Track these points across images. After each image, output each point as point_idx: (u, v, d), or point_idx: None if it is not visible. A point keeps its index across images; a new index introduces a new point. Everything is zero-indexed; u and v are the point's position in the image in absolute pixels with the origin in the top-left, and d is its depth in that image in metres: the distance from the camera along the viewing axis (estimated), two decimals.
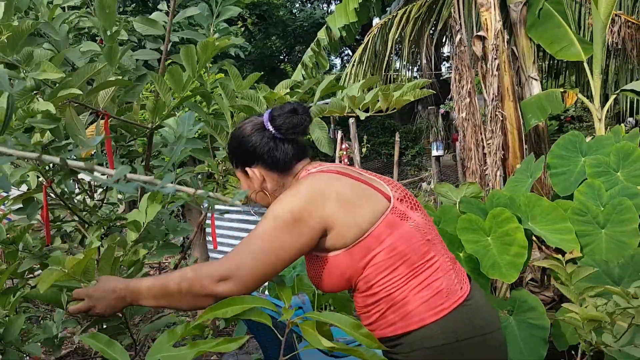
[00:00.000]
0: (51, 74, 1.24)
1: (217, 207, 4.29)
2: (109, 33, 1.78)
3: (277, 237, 1.23)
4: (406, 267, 1.24)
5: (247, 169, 1.41)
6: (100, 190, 2.05)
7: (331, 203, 1.25)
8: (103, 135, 1.55)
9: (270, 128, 1.38)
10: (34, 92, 1.28)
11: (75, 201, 2.02)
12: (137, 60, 2.09)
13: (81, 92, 1.26)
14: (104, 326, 1.61)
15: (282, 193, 1.32)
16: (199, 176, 2.68)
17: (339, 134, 9.12)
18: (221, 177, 1.86)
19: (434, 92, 1.79)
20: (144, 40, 2.12)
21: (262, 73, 1.68)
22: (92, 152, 1.67)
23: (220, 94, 1.73)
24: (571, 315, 1.72)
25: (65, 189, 1.78)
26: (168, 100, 1.73)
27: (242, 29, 9.15)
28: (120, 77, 1.55)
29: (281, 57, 17.30)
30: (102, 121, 1.53)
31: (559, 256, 2.06)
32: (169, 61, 2.01)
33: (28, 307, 2.32)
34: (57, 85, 1.29)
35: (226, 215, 4.35)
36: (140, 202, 2.04)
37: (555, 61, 5.47)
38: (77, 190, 2.02)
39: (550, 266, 1.94)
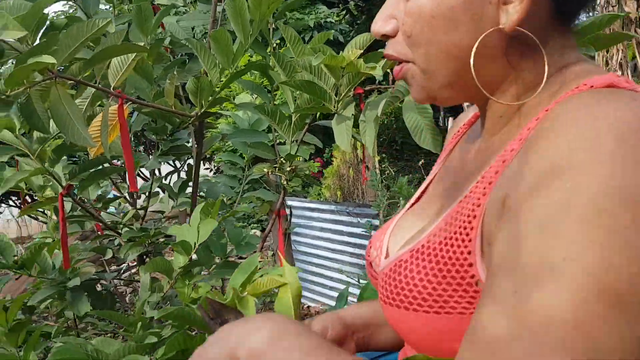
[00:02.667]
0: (9, 32, 0.81)
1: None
2: None
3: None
4: None
5: None
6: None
7: None
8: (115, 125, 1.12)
9: None
10: None
11: (114, 209, 1.64)
12: (193, 29, 1.66)
13: (54, 61, 0.82)
14: None
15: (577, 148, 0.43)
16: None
17: (450, 122, 8.35)
18: (286, 182, 1.37)
19: None
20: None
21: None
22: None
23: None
24: None
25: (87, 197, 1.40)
26: (215, 78, 1.27)
27: (344, 12, 8.60)
28: (142, 44, 1.11)
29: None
30: (115, 106, 1.10)
31: None
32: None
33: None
34: (27, 50, 0.86)
35: (316, 214, 3.90)
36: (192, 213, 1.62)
37: None
38: (112, 195, 1.63)
39: None
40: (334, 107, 1.11)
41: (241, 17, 1.18)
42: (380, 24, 0.60)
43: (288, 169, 1.36)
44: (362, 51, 1.01)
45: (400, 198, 2.75)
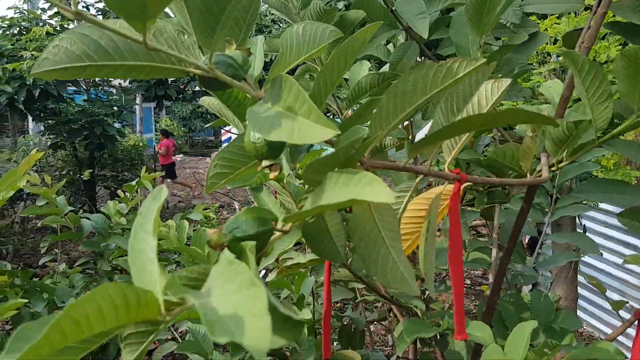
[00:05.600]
0: (308, 130, 0.37)
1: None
2: None
3: None
4: None
5: None
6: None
7: None
8: None
9: None
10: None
11: None
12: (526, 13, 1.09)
13: (391, 197, 0.37)
14: None
15: None
16: None
17: None
18: None
19: None
20: None
21: None
22: None
23: None
24: None
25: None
26: (602, 119, 0.70)
27: None
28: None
29: None
30: (449, 188, 0.62)
31: None
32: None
33: None
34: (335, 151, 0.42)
35: (602, 217, 3.08)
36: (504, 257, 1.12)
37: None
38: None
39: None
40: None
41: None
42: None
43: None
44: None
45: None
